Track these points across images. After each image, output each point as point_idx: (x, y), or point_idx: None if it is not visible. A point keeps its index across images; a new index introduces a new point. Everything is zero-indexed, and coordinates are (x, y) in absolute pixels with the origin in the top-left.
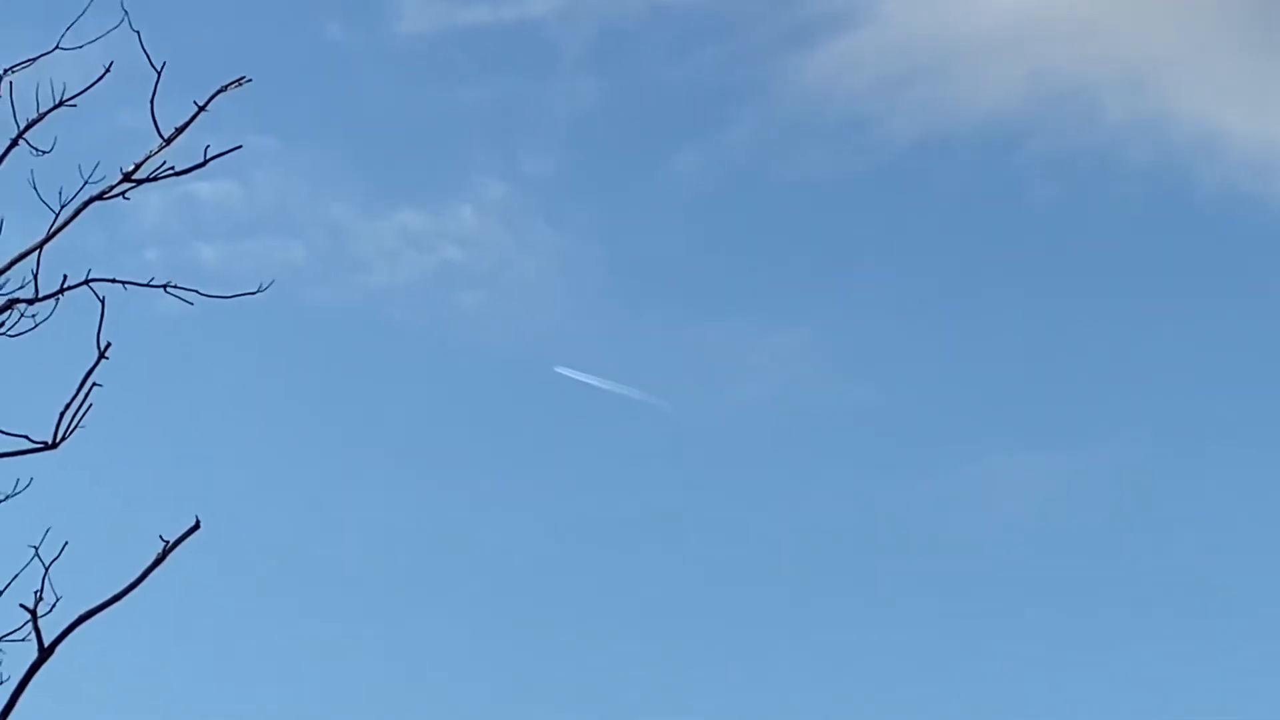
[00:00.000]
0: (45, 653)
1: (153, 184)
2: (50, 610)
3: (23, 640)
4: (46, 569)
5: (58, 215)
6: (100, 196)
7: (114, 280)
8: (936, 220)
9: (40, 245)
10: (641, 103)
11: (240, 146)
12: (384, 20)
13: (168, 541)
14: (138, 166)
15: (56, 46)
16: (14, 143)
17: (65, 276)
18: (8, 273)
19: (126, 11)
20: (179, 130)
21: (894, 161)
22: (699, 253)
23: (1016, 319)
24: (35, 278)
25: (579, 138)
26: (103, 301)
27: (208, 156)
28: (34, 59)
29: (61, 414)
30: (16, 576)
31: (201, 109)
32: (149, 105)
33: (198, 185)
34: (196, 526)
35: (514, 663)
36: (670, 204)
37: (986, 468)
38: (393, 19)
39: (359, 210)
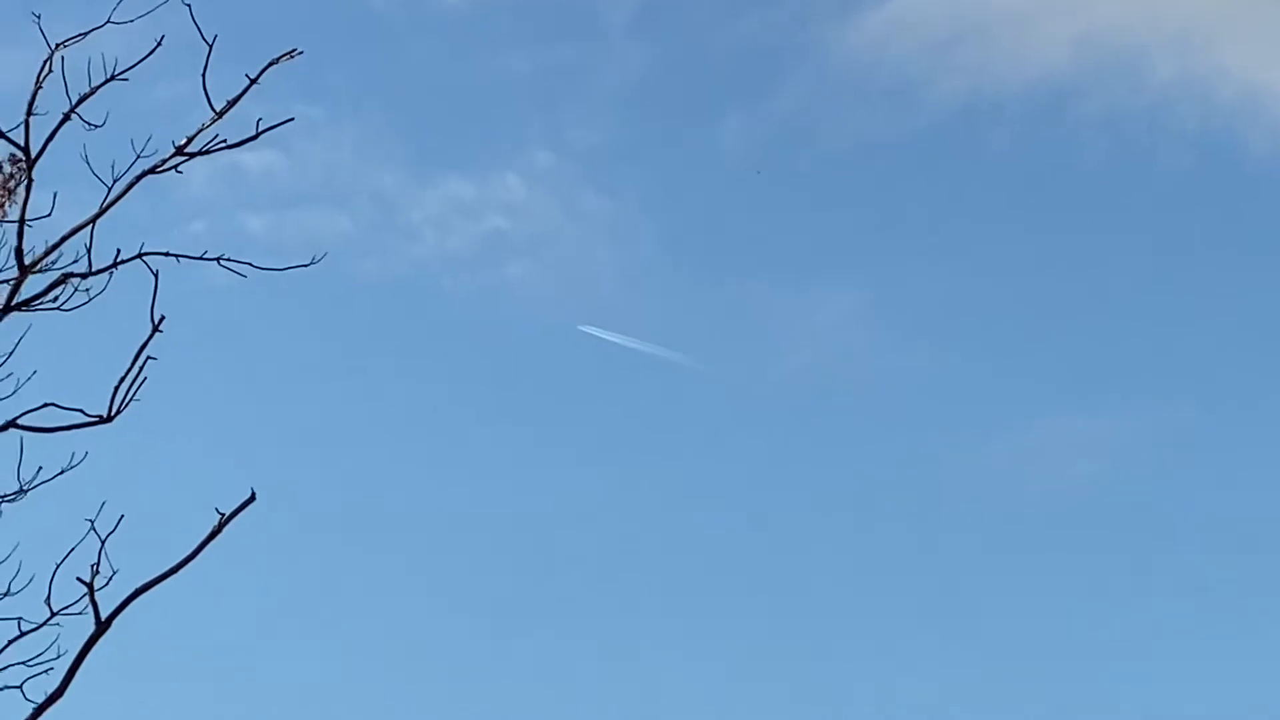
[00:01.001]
0: (102, 626)
1: (202, 156)
2: (107, 584)
3: (79, 614)
4: (103, 542)
5: (110, 189)
6: (154, 170)
7: (167, 253)
8: (986, 183)
9: (94, 219)
10: (689, 69)
11: (292, 119)
12: None
13: (223, 514)
14: (190, 139)
15: (108, 21)
16: (66, 117)
17: (119, 250)
18: (61, 247)
19: None
20: (231, 103)
21: (942, 124)
22: (749, 219)
23: (1068, 280)
24: (89, 252)
25: (626, 105)
26: (156, 275)
27: (260, 129)
28: (85, 33)
29: (116, 387)
30: (73, 550)
31: (253, 82)
32: (200, 78)
33: (244, 156)
34: (252, 499)
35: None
36: (719, 170)
37: (1042, 430)
38: None
39: (406, 180)
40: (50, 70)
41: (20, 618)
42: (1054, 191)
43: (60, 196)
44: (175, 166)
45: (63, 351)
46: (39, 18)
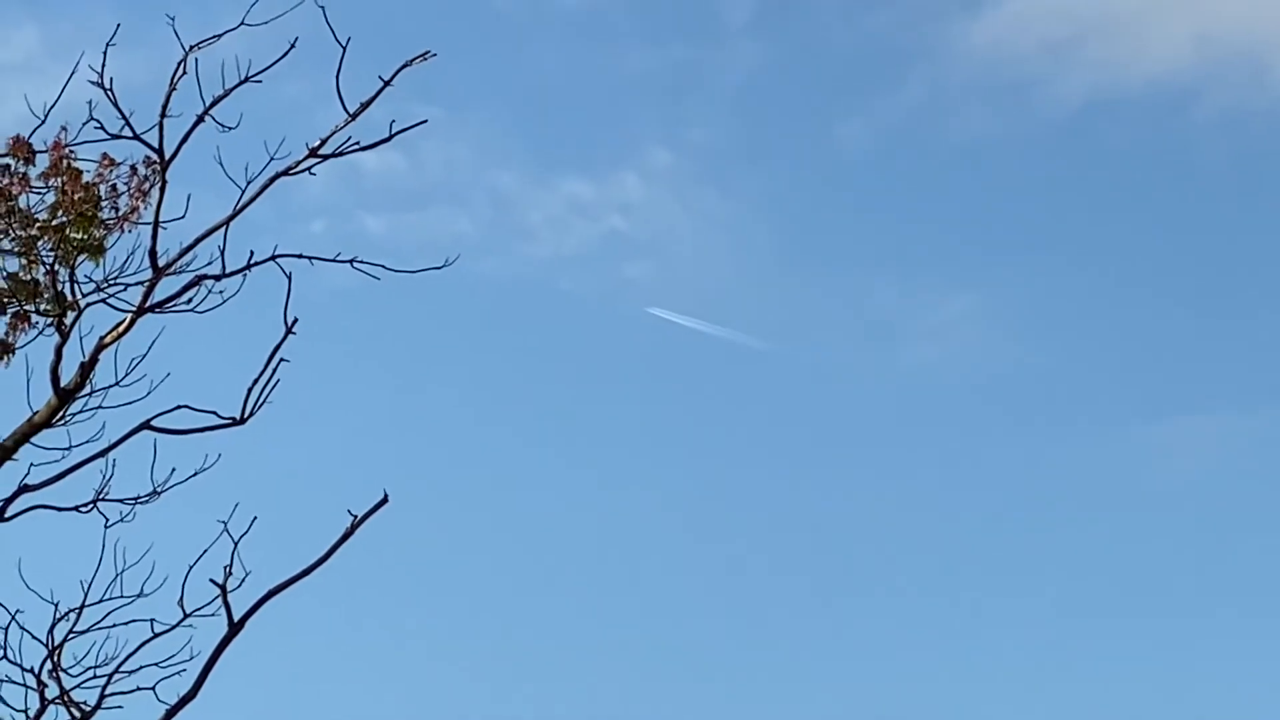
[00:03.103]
0: (235, 628)
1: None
2: (240, 585)
3: (213, 615)
4: (236, 544)
5: (244, 191)
6: (287, 172)
7: (300, 255)
8: (1107, 182)
9: (228, 221)
10: (807, 67)
11: (426, 121)
12: None
13: (356, 515)
14: (323, 141)
15: (241, 23)
16: (200, 119)
17: (252, 253)
18: (195, 249)
19: None
20: (364, 105)
21: (1062, 123)
22: (868, 218)
23: (1188, 280)
24: (222, 254)
25: (745, 104)
26: (290, 277)
27: (393, 131)
28: (219, 35)
29: (249, 389)
30: (206, 552)
31: (387, 84)
32: (334, 80)
33: (363, 156)
34: (385, 501)
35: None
36: (838, 169)
37: (1162, 431)
38: None
39: (525, 180)
40: (184, 72)
41: (153, 619)
42: (1174, 192)
43: (191, 198)
44: (309, 169)
45: (196, 353)
46: (173, 19)
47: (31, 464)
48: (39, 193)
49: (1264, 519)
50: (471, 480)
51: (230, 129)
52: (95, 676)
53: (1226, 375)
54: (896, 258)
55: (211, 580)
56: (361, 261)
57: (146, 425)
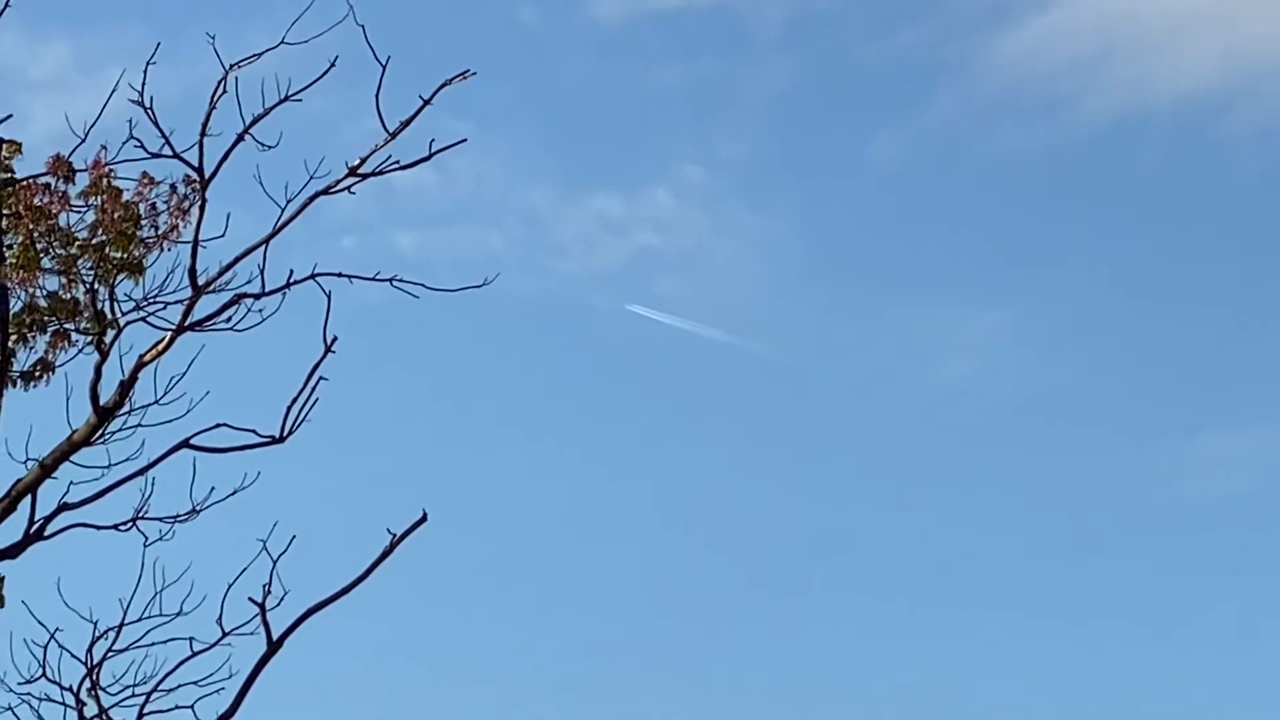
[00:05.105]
0: (274, 646)
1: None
2: (279, 604)
3: (251, 634)
4: (275, 562)
5: (283, 210)
6: (326, 191)
7: (340, 274)
8: (1138, 198)
9: (267, 240)
10: (838, 83)
11: (465, 140)
12: (578, 4)
13: (395, 534)
14: (363, 160)
15: (281, 41)
16: (240, 138)
17: (291, 271)
18: (234, 267)
19: (351, 6)
20: (404, 124)
21: (1093, 139)
22: (898, 233)
23: (1222, 296)
24: (262, 272)
25: (775, 120)
26: (329, 296)
27: (431, 150)
28: (259, 54)
29: (289, 408)
30: (245, 570)
31: (426, 103)
32: (374, 99)
33: (394, 172)
34: (424, 519)
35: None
36: (869, 185)
37: (1195, 446)
38: (587, 2)
39: (555, 196)
40: (224, 91)
41: (192, 638)
42: (1204, 208)
43: (230, 217)
44: (348, 188)
45: (235, 371)
46: (213, 38)
47: (71, 482)
48: (79, 211)
49: None
50: (510, 496)
51: (270, 148)
52: (134, 695)
53: (1260, 390)
54: (927, 273)
55: (250, 599)
56: (401, 280)
57: (186, 444)
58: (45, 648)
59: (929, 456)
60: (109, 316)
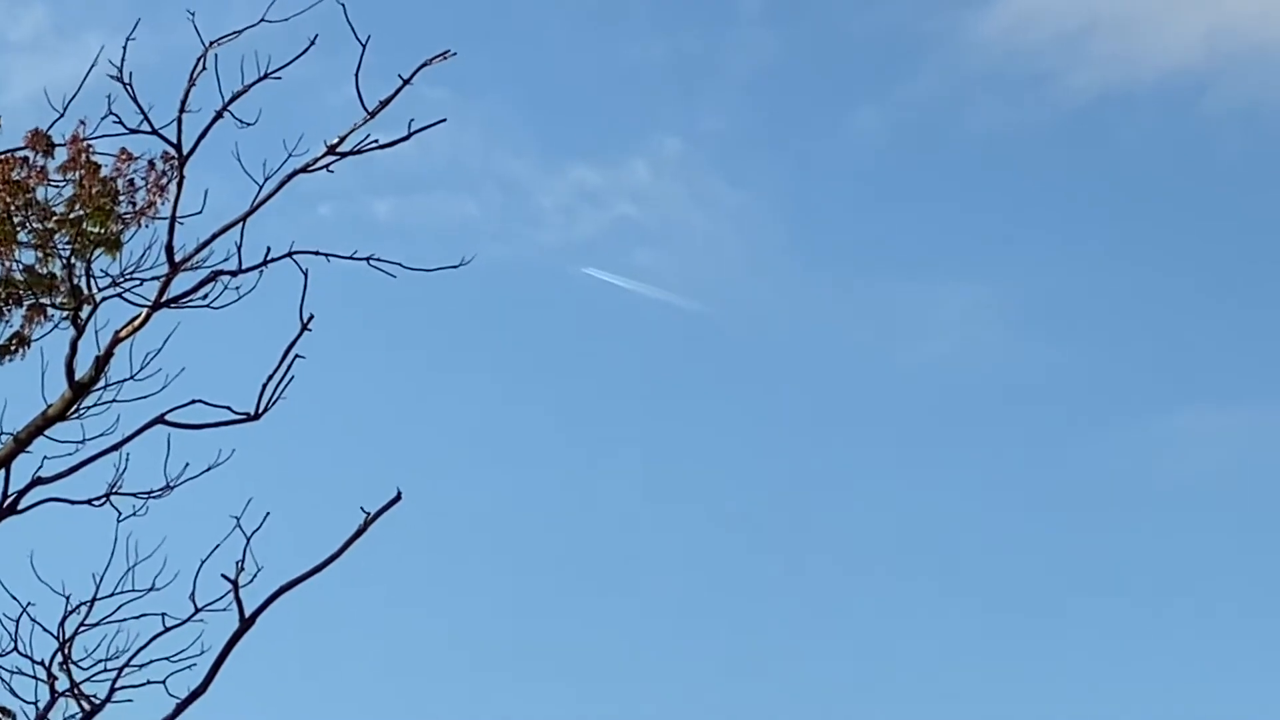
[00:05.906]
0: (246, 623)
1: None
2: (251, 581)
3: (224, 610)
4: (248, 540)
5: (261, 187)
6: (305, 169)
7: (317, 252)
8: (1119, 175)
9: (245, 217)
10: (820, 57)
11: (445, 120)
12: None
13: (369, 512)
14: (342, 139)
15: (261, 19)
16: (219, 115)
17: (269, 249)
18: (211, 244)
19: None
20: (383, 104)
21: (1075, 115)
22: (878, 209)
23: (1201, 272)
24: (239, 249)
25: (756, 93)
26: (306, 274)
27: (410, 130)
28: (239, 32)
29: (264, 385)
30: (218, 547)
31: (406, 82)
32: (354, 78)
33: (373, 151)
34: (398, 498)
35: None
36: (850, 159)
37: (1174, 425)
38: None
39: (534, 166)
40: (204, 68)
41: (165, 614)
42: (1187, 185)
43: (208, 193)
44: (327, 166)
45: (210, 348)
46: (193, 15)
47: (45, 457)
48: (57, 186)
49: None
50: (489, 471)
51: (249, 125)
52: (106, 670)
53: (1239, 366)
54: (906, 249)
55: (223, 575)
56: (378, 259)
57: (160, 420)
58: (17, 621)
59: (906, 433)
60: (85, 292)
